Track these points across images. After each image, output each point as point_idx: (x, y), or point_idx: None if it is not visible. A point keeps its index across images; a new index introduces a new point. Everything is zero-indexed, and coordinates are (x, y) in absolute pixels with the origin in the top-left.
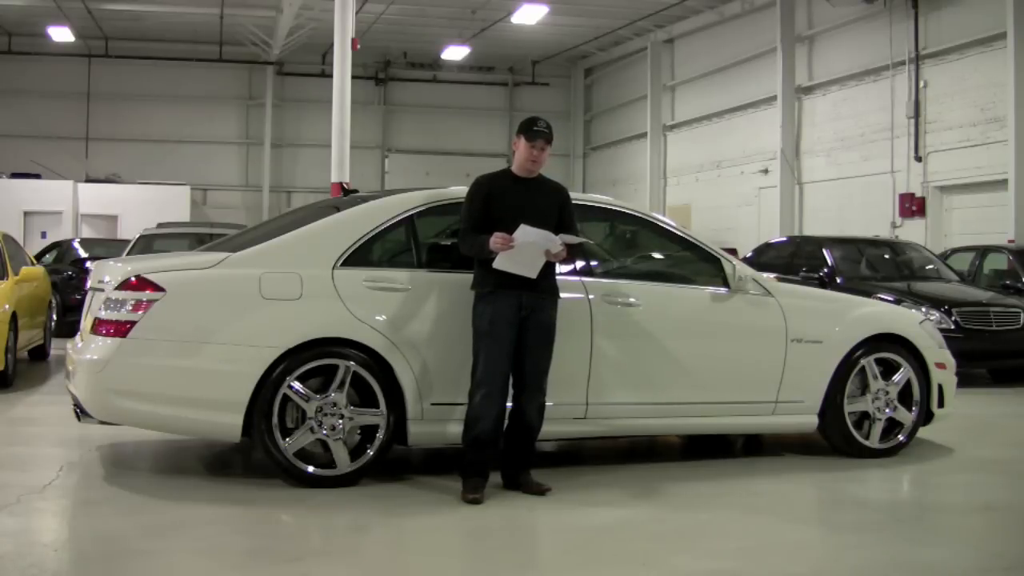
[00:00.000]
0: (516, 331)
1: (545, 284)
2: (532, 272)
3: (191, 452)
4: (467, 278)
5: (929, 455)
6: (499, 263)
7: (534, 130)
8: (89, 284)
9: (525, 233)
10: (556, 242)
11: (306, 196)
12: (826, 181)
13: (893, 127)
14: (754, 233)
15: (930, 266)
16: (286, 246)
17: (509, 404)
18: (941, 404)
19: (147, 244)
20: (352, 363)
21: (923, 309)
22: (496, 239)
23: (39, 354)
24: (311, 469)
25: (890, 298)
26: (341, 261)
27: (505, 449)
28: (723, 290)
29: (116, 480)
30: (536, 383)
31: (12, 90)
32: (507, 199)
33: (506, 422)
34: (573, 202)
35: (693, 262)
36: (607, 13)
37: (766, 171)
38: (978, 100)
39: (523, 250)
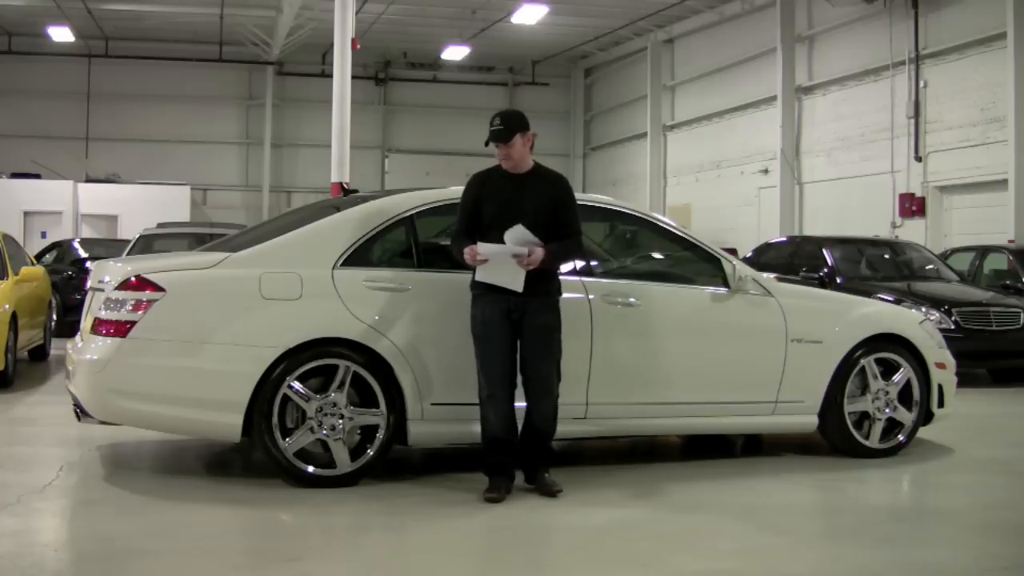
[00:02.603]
0: (511, 331)
1: (535, 287)
2: (517, 284)
3: (191, 452)
4: (467, 278)
5: (929, 455)
6: (480, 275)
7: (491, 131)
8: (89, 284)
9: (487, 249)
10: (523, 252)
11: (306, 196)
12: (826, 181)
13: (893, 127)
14: (754, 233)
15: (930, 266)
16: (286, 246)
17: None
18: (941, 404)
19: (147, 244)
20: (352, 363)
21: (923, 309)
22: (467, 253)
23: (39, 354)
24: (311, 469)
25: (890, 298)
26: (341, 261)
27: (521, 448)
28: (723, 290)
29: (116, 480)
30: (540, 385)
31: (12, 90)
32: (496, 198)
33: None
34: None
35: (693, 262)
36: (607, 13)
37: (766, 171)
38: (978, 100)
39: (496, 264)
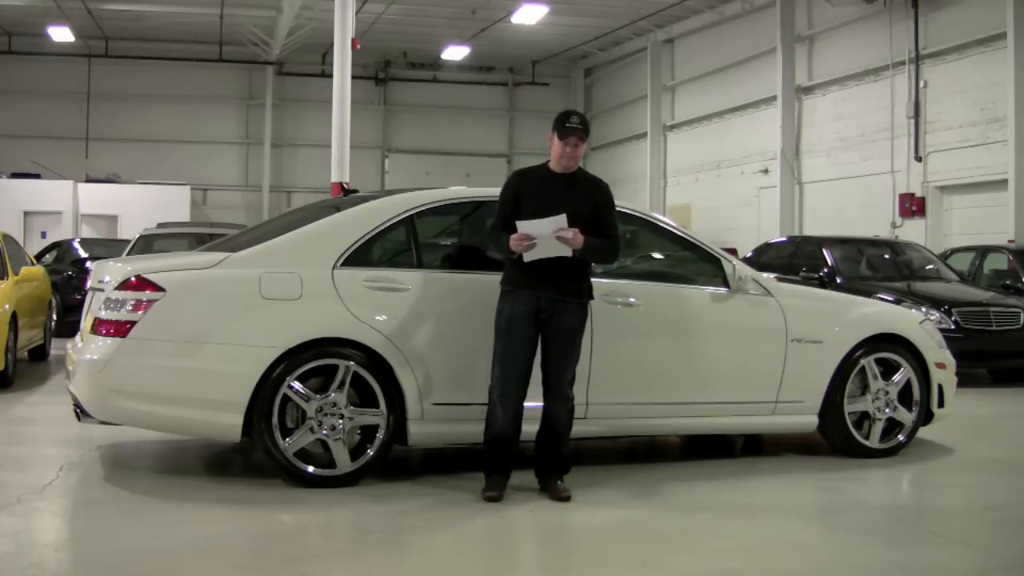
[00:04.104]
0: (535, 331)
1: (569, 286)
2: (564, 251)
3: (191, 452)
4: (467, 278)
5: (929, 455)
6: (529, 257)
7: (567, 127)
8: (89, 284)
9: (531, 227)
10: (563, 222)
11: (306, 196)
12: (826, 181)
13: (893, 127)
14: (754, 233)
15: (930, 266)
16: (286, 246)
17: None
18: (941, 404)
19: (147, 244)
20: (352, 363)
21: (923, 309)
22: (514, 241)
23: (39, 354)
24: (311, 469)
25: (890, 298)
26: (341, 261)
27: (537, 451)
28: (723, 290)
29: (116, 480)
30: (558, 387)
31: (12, 90)
32: (536, 196)
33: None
34: None
35: (693, 262)
36: (607, 13)
37: (766, 171)
38: (978, 100)
39: (542, 242)
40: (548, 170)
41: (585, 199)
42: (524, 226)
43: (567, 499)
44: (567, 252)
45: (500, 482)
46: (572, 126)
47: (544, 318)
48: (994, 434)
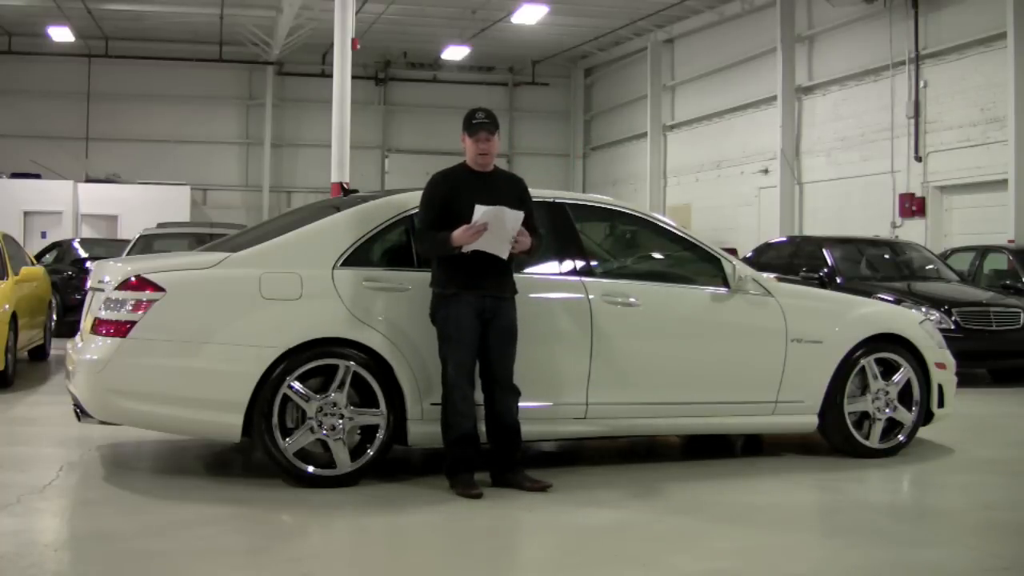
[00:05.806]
0: (480, 331)
1: (507, 283)
2: (504, 252)
3: (191, 452)
4: None
5: (929, 455)
6: (471, 247)
7: (474, 123)
8: (89, 284)
9: (483, 213)
10: (520, 219)
11: (306, 196)
12: (826, 181)
13: (893, 127)
14: (754, 233)
15: (930, 266)
16: (286, 246)
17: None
18: (941, 404)
19: (147, 244)
20: (352, 363)
21: (923, 309)
22: (462, 233)
23: (39, 354)
24: (311, 469)
25: (890, 298)
26: (341, 261)
27: (493, 451)
28: (723, 290)
29: (116, 480)
30: (509, 383)
31: (12, 90)
32: (466, 196)
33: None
34: (573, 202)
35: (693, 262)
36: (607, 13)
37: (766, 171)
38: (978, 100)
39: (491, 234)
40: (468, 170)
41: (513, 196)
42: (487, 212)
43: (549, 487)
44: (504, 254)
45: (472, 479)
46: (479, 121)
47: (488, 317)
48: (994, 434)
